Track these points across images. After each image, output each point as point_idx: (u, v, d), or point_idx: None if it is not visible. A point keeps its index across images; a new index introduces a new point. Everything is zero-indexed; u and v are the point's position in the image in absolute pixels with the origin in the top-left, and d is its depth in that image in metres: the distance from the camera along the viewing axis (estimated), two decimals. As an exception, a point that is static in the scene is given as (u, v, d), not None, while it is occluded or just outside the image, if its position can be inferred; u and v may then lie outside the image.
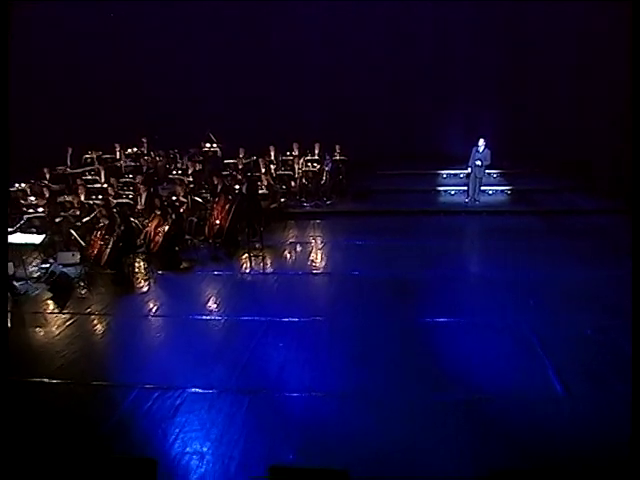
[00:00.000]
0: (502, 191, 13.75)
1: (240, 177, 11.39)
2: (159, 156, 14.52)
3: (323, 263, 9.78)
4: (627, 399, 5.10)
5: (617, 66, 12.46)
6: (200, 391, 5.54)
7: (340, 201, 13.42)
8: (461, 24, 15.18)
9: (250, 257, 9.86)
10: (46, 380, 5.89)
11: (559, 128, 14.33)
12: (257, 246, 10.21)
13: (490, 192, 13.60)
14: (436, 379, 5.62)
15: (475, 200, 12.81)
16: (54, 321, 7.49)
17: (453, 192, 13.78)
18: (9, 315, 7.48)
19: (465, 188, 13.17)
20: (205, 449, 4.64)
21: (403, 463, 4.40)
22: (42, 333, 7.14)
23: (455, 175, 14.43)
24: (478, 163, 12.42)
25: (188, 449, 4.64)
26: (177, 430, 4.91)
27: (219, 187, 10.96)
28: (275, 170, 13.34)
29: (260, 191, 11.57)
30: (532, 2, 14.33)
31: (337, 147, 14.00)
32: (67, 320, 7.47)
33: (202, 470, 4.40)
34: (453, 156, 14.29)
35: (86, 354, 6.49)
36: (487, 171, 13.18)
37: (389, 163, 15.26)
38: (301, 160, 13.63)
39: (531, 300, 7.47)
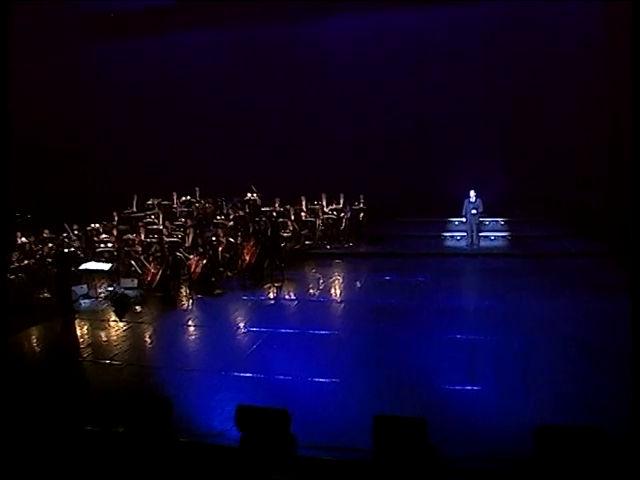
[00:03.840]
0: (503, 237, 15.55)
1: (267, 221, 13.76)
2: (208, 203, 17.10)
3: (335, 292, 11.99)
4: (520, 393, 6.94)
5: (614, 121, 14.28)
6: (211, 372, 7.74)
7: (358, 244, 15.56)
8: (473, 89, 17.38)
9: (272, 287, 12.13)
10: (107, 361, 8.28)
11: (559, 182, 16.09)
12: (279, 278, 12.47)
13: (492, 237, 15.43)
14: (385, 372, 7.54)
15: (474, 245, 14.63)
16: (115, 326, 10.00)
17: (459, 237, 15.66)
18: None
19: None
20: (208, 403, 6.78)
21: (338, 414, 6.44)
22: (105, 333, 9.62)
23: (465, 222, 16.27)
24: (474, 212, 14.31)
25: (196, 402, 6.79)
26: (190, 391, 7.08)
27: (251, 229, 13.38)
28: (304, 216, 15.64)
29: (285, 234, 13.91)
30: (533, 62, 16.41)
31: (361, 197, 16.21)
32: (124, 326, 9.97)
33: (205, 413, 6.54)
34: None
35: (136, 346, 8.95)
36: (494, 219, 15.04)
37: (408, 211, 17.28)
38: (326, 208, 15.91)
39: (479, 322, 9.27)
